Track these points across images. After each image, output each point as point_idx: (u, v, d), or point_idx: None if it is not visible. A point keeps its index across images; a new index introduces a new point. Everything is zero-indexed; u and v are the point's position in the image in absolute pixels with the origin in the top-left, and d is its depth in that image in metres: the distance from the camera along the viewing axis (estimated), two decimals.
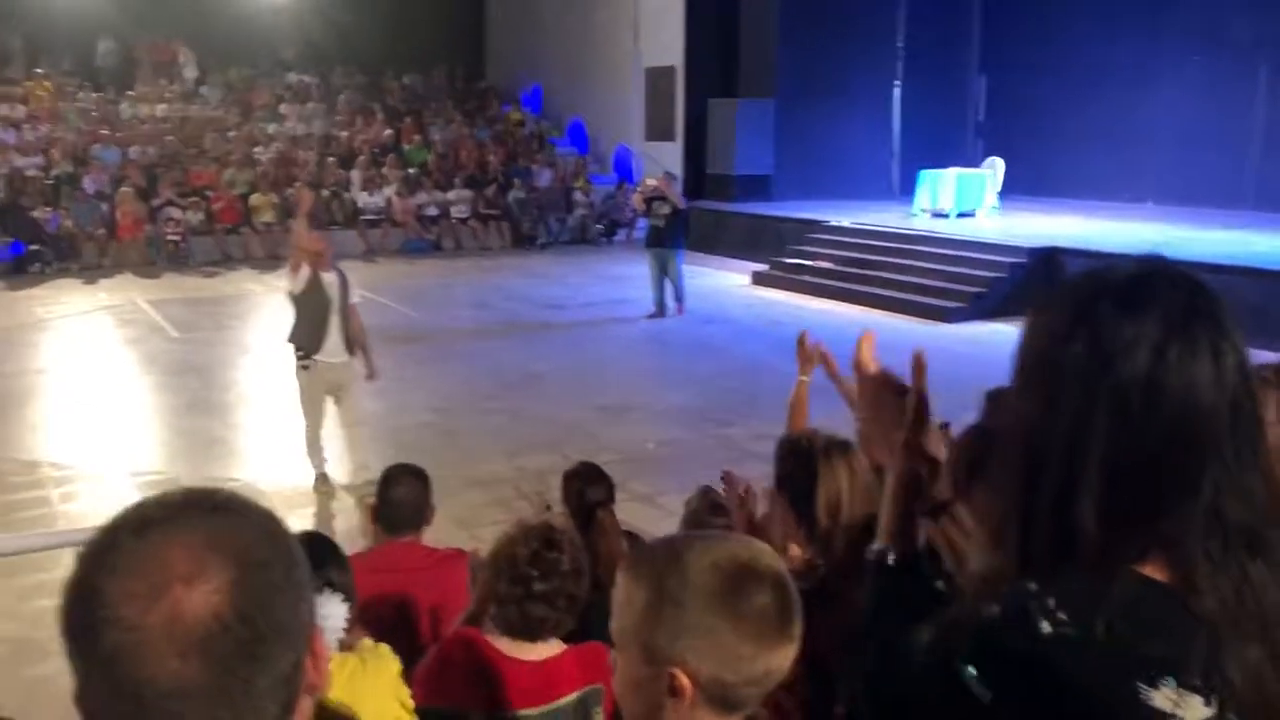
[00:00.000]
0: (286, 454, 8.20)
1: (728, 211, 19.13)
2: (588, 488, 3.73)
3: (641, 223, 15.89)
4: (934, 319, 13.31)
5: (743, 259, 17.63)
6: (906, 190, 19.23)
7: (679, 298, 13.27)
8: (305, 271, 6.93)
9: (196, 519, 0.97)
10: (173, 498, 0.99)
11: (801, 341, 3.01)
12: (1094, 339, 1.04)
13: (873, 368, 1.69)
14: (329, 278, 6.94)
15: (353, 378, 7.13)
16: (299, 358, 7.00)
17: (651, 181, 13.67)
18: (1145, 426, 1.01)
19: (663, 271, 13.10)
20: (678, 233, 13.06)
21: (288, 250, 7.17)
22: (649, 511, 6.68)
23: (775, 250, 16.75)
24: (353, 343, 7.03)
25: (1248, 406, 1.05)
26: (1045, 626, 1.01)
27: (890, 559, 1.39)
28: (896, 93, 20.99)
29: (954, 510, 1.63)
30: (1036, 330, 1.12)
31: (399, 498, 3.58)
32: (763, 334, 12.66)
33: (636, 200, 13.71)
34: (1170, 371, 1.01)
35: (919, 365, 1.54)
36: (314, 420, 7.10)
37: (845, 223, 16.65)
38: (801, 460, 2.40)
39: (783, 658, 1.22)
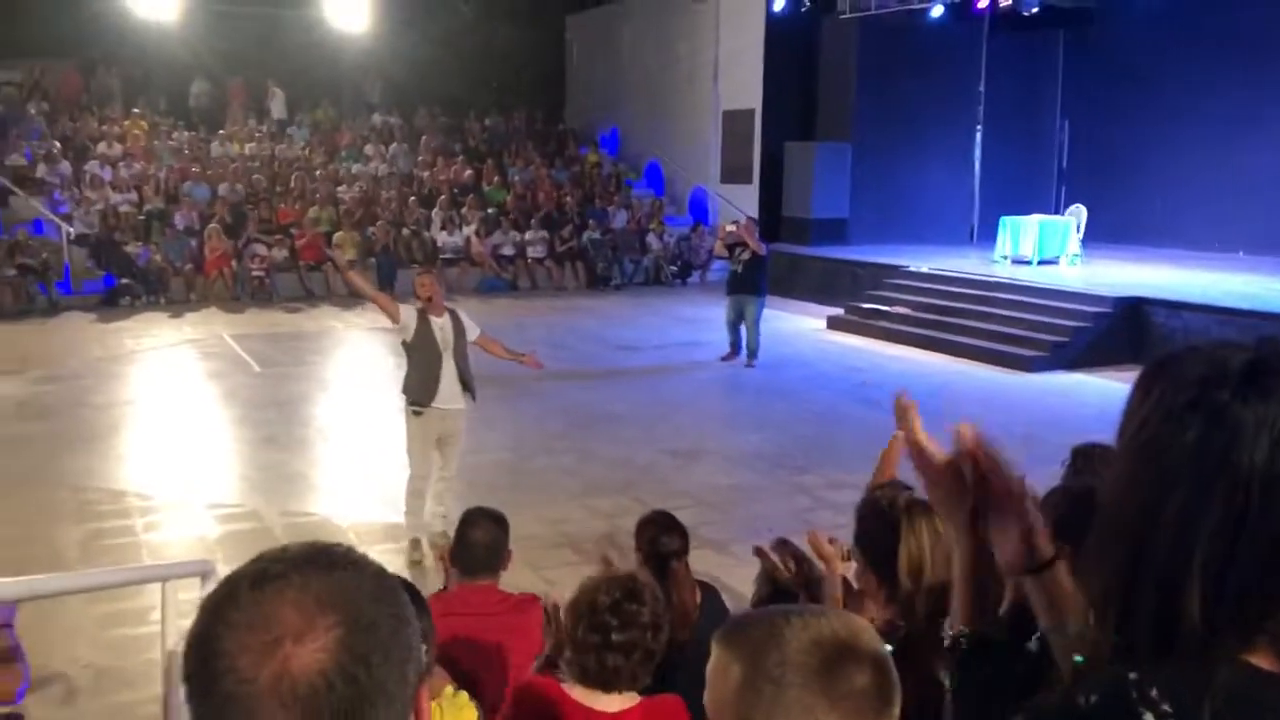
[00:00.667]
0: (364, 490, 8.32)
1: (803, 255, 19.13)
2: (662, 536, 3.71)
3: (717, 265, 15.93)
4: (1015, 368, 13.10)
5: (818, 303, 17.58)
6: (986, 236, 19.02)
7: (752, 350, 12.99)
8: (411, 317, 6.83)
9: (311, 575, 1.00)
10: (291, 552, 1.03)
11: (900, 402, 2.96)
12: (1212, 425, 1.02)
13: (919, 439, 1.66)
14: (440, 322, 6.83)
15: (462, 427, 6.95)
16: (411, 404, 6.87)
17: (732, 227, 13.60)
18: (1262, 519, 0.99)
19: (740, 317, 13.04)
20: (758, 279, 12.92)
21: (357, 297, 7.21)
22: (720, 559, 6.63)
23: (851, 295, 16.67)
24: (468, 386, 6.89)
25: None
26: (1148, 718, 0.99)
27: (965, 642, 1.37)
28: (977, 137, 20.83)
29: (1056, 569, 1.61)
30: (1148, 407, 1.09)
31: (477, 540, 3.61)
32: (838, 380, 12.58)
33: (718, 247, 13.74)
34: None
35: (968, 440, 1.42)
36: (420, 469, 6.90)
37: (924, 268, 16.54)
38: (882, 520, 2.37)
39: None
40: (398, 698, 0.98)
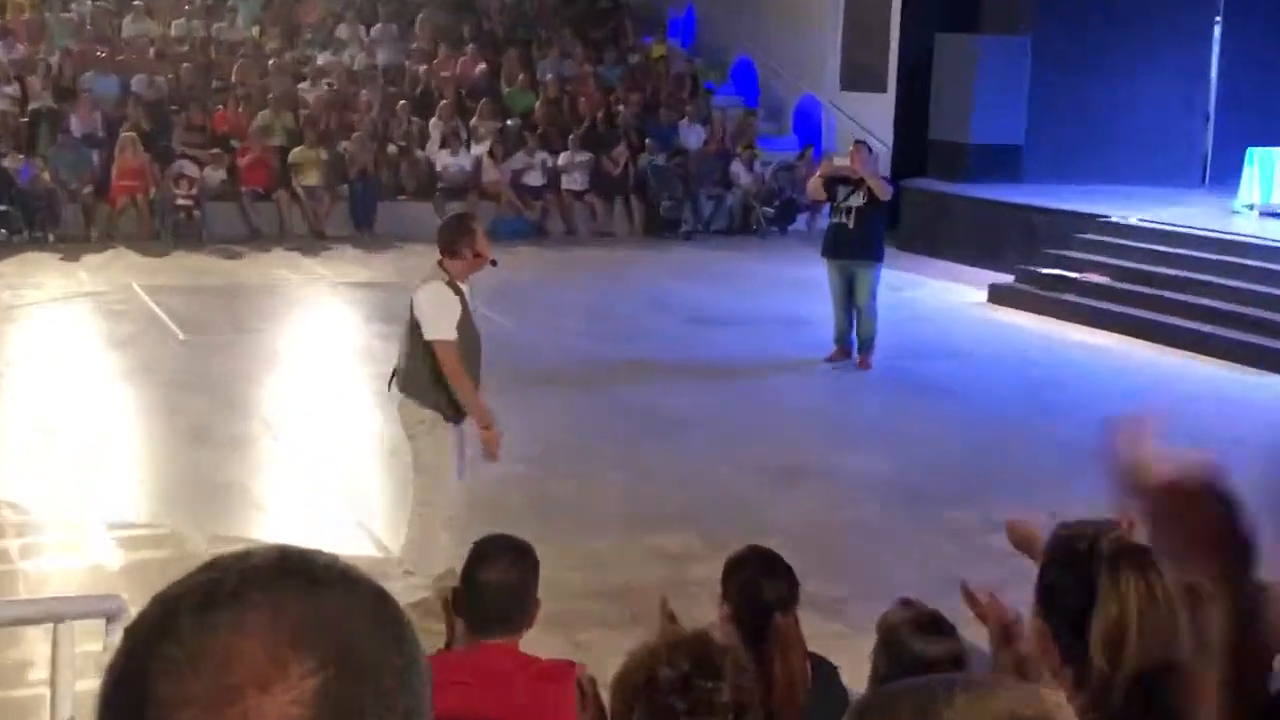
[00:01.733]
0: (327, 508, 8.45)
1: (957, 197, 18.97)
2: (763, 580, 3.74)
3: (825, 213, 15.63)
4: (1264, 366, 12.96)
5: (976, 265, 17.48)
6: (1224, 176, 18.74)
7: (865, 342, 12.48)
8: (455, 302, 6.78)
9: (283, 595, 0.99)
10: (255, 561, 1.02)
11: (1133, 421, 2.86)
12: None
13: (1157, 467, 1.66)
14: (468, 290, 6.93)
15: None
16: (447, 411, 6.85)
17: (839, 159, 13.53)
18: None
19: (848, 293, 12.45)
20: (874, 237, 12.33)
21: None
22: (827, 624, 6.62)
23: (1025, 255, 16.56)
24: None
25: None
26: None
27: None
28: (1215, 32, 20.51)
29: None
30: None
31: (492, 582, 3.65)
32: (1004, 376, 12.50)
33: (813, 185, 13.16)
34: None
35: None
36: (444, 500, 6.91)
37: (1131, 219, 16.34)
38: (1073, 569, 2.38)
39: None
40: None
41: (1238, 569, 1.74)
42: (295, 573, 1.02)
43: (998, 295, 15.98)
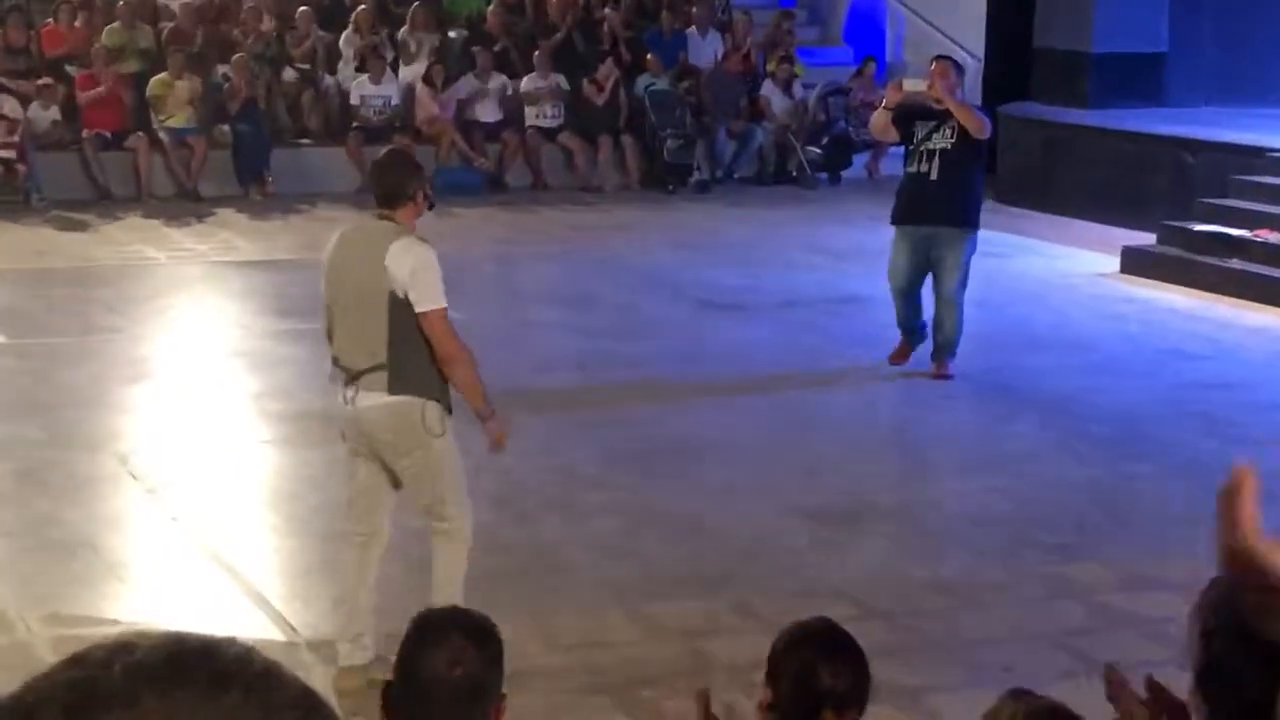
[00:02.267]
0: (209, 577, 8.44)
1: (1075, 128, 19.05)
2: (822, 667, 3.82)
3: (894, 154, 15.42)
4: None
5: (1103, 222, 17.56)
6: None
7: (948, 342, 12.30)
8: (437, 261, 7.09)
9: (177, 697, 1.02)
10: (142, 654, 1.05)
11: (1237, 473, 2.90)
12: None
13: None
14: None
15: None
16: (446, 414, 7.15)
17: (911, 81, 13.00)
18: None
19: (922, 271, 12.22)
20: (967, 193, 12.11)
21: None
22: (903, 717, 6.67)
23: (1172, 207, 16.65)
24: None
25: None
26: None
27: None
28: None
29: None
30: None
31: (436, 674, 3.66)
32: (1145, 377, 12.53)
33: (879, 121, 12.64)
34: None
35: None
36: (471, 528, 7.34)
37: None
38: (1244, 638, 2.39)
39: None
40: None
41: None
42: (196, 670, 1.04)
43: (1134, 263, 16.03)
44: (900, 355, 12.44)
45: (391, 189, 7.09)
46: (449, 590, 7.11)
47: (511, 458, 9.64)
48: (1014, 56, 20.33)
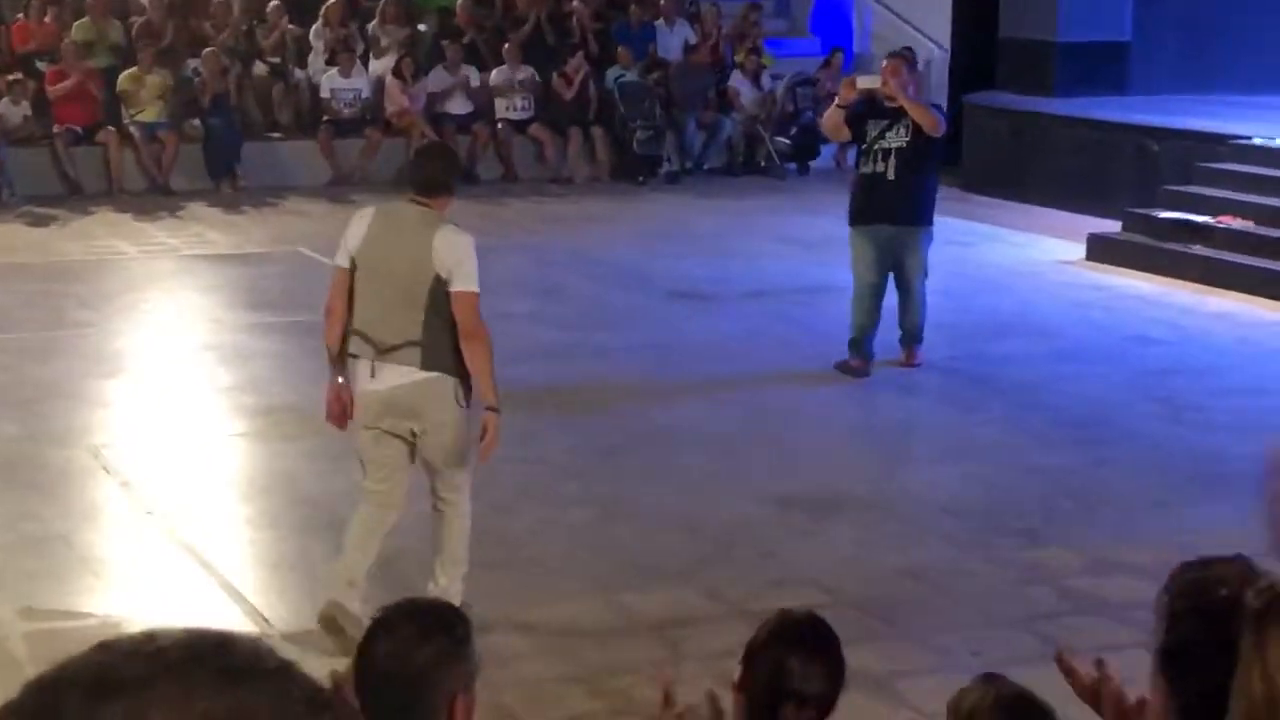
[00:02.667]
0: (184, 571, 8.43)
1: (1040, 116, 19.09)
2: (797, 664, 3.83)
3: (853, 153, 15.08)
4: None
5: (1069, 209, 17.61)
6: None
7: (914, 333, 12.26)
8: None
9: (197, 687, 1.04)
10: (161, 644, 1.08)
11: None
12: None
13: None
14: None
15: None
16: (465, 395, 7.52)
17: (865, 78, 12.68)
18: None
19: (885, 270, 12.03)
20: (922, 191, 11.97)
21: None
22: (877, 707, 6.68)
23: (1136, 194, 16.68)
24: None
25: None
26: None
27: None
28: None
29: None
30: None
31: (379, 665, 3.65)
32: (1111, 363, 12.58)
33: (831, 119, 12.40)
34: None
35: None
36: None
37: None
38: (1213, 624, 2.41)
39: None
40: None
41: None
42: (212, 661, 1.07)
43: (1100, 250, 16.08)
44: (856, 367, 12.10)
45: (433, 178, 7.63)
46: (460, 557, 7.59)
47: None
48: (980, 46, 20.35)
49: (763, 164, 21.09)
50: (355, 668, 3.74)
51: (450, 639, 3.76)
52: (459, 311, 7.33)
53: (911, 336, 12.25)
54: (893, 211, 11.85)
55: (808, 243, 16.42)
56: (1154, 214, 16.06)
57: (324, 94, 20.23)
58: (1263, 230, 15.25)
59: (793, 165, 21.01)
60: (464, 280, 7.37)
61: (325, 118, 19.99)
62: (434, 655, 3.71)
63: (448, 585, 7.44)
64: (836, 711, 4.01)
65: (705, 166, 20.98)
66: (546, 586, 8.24)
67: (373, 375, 7.38)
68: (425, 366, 7.34)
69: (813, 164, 20.99)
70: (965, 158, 19.38)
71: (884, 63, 12.34)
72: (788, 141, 21.10)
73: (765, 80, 21.48)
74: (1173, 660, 2.48)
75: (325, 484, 9.31)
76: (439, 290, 7.32)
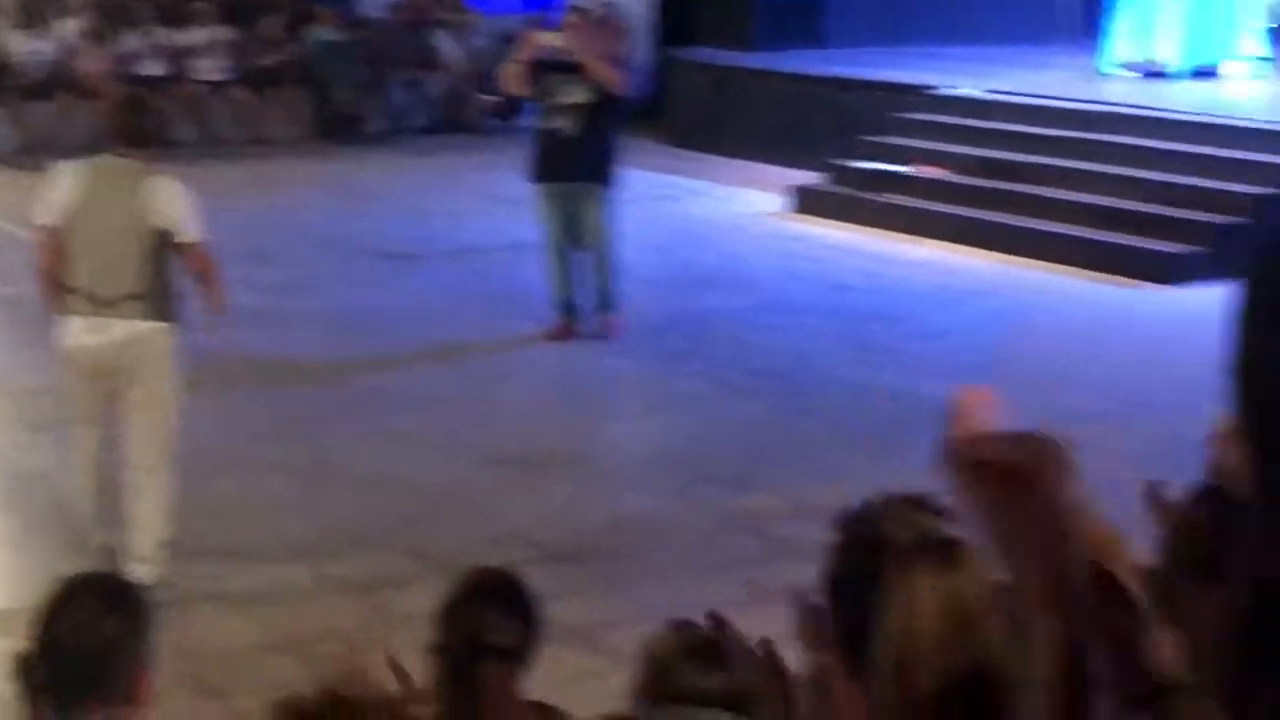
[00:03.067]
0: None
1: (740, 71, 19.22)
2: (490, 618, 3.87)
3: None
4: (1145, 277, 13.48)
5: (771, 163, 17.76)
6: (1091, 28, 19.29)
7: (605, 299, 12.13)
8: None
9: None
10: None
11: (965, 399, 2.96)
12: None
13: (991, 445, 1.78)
14: None
15: None
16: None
17: (546, 37, 12.47)
18: None
19: (570, 234, 12.01)
20: (603, 149, 11.92)
21: None
22: (583, 659, 6.72)
23: (836, 146, 16.86)
24: None
25: None
26: None
27: None
28: None
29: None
30: None
31: (61, 638, 3.57)
32: (813, 311, 12.75)
33: (511, 74, 12.29)
34: None
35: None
36: None
37: (972, 91, 16.83)
38: (865, 559, 2.51)
39: None
40: None
41: (1073, 572, 1.85)
42: None
43: (802, 201, 16.29)
44: (559, 334, 12.09)
45: (137, 129, 7.70)
46: (162, 523, 7.56)
47: (183, 417, 9.55)
48: (684, 1, 20.46)
49: (468, 122, 20.99)
50: (36, 643, 3.66)
51: (137, 612, 3.71)
52: (194, 262, 7.60)
53: (606, 301, 12.10)
54: (572, 169, 11.79)
55: (513, 200, 16.31)
56: (852, 165, 16.30)
57: (11, 56, 19.67)
58: (959, 179, 15.59)
59: (499, 121, 20.97)
60: (190, 230, 7.52)
61: (12, 81, 19.45)
62: (119, 628, 3.65)
63: (148, 557, 7.40)
64: (540, 664, 4.03)
65: (409, 126, 20.83)
66: (248, 555, 8.13)
67: (91, 330, 7.38)
68: (147, 317, 7.44)
69: (519, 119, 20.97)
70: (669, 113, 19.53)
71: (567, 18, 12.40)
72: (493, 99, 21.06)
73: (470, 39, 21.40)
74: (834, 589, 2.54)
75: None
76: (158, 242, 7.42)
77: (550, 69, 11.83)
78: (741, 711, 3.43)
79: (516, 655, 3.89)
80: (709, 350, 11.78)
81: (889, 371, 10.88)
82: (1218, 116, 15.26)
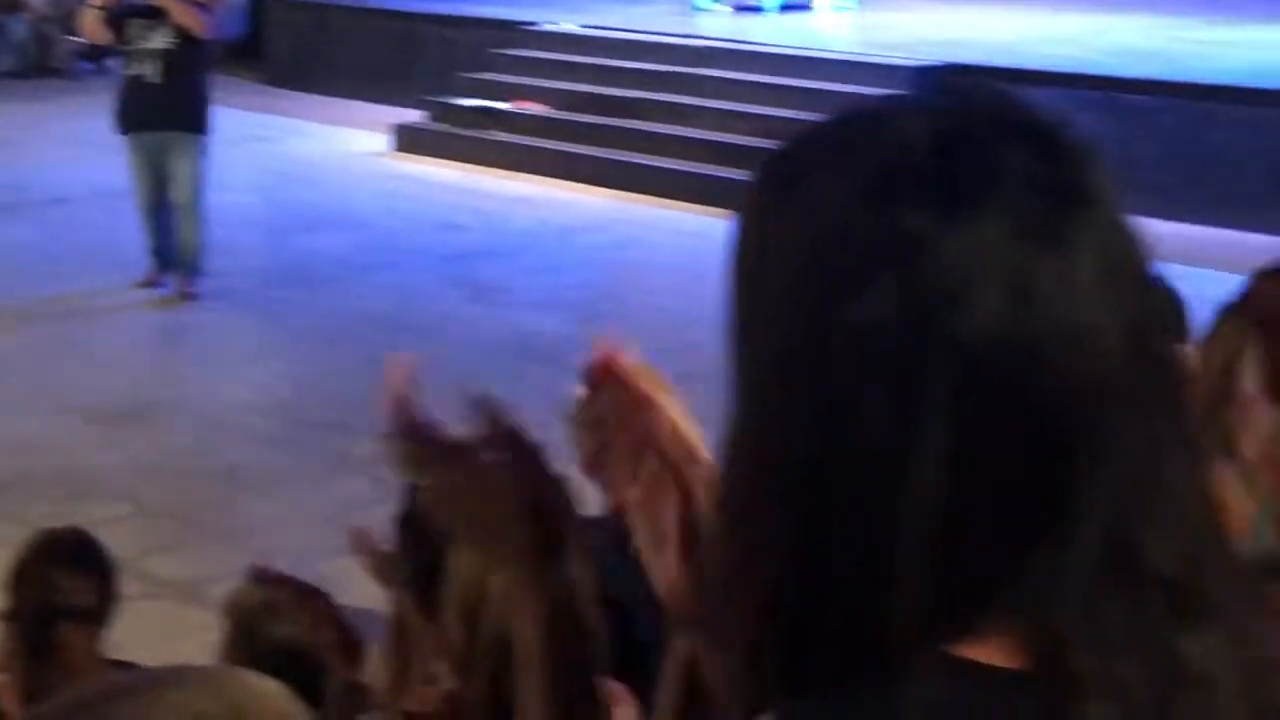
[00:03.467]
0: None
1: (338, 8, 19.15)
2: (61, 577, 3.82)
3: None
4: (738, 207, 13.73)
5: (373, 101, 17.73)
6: None
7: (191, 261, 11.78)
8: None
9: None
10: None
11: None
12: (905, 280, 1.10)
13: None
14: None
15: None
16: None
17: None
18: (1000, 415, 1.08)
19: (159, 185, 11.74)
20: (193, 95, 11.61)
21: None
22: (184, 613, 6.63)
23: (437, 84, 16.91)
24: None
25: (1161, 355, 1.14)
26: None
27: None
28: None
29: None
30: (778, 260, 1.22)
31: None
32: (417, 251, 12.78)
33: (89, 20, 12.05)
34: (1038, 310, 1.08)
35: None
36: None
37: (570, 27, 16.97)
38: (420, 519, 2.53)
39: None
40: None
41: (546, 553, 1.84)
42: None
43: (405, 140, 16.29)
44: (150, 281, 11.85)
45: None
46: None
47: None
48: None
49: (57, 66, 20.45)
50: None
51: None
52: None
53: (189, 264, 11.74)
54: (160, 117, 11.53)
55: (106, 145, 15.95)
56: (454, 102, 16.31)
57: None
58: (559, 114, 15.69)
59: (89, 65, 20.45)
60: None
61: None
62: None
63: None
64: (141, 619, 3.98)
65: None
66: None
67: None
68: None
69: (110, 62, 20.50)
70: (267, 51, 19.26)
71: None
72: (82, 41, 20.59)
73: None
74: (406, 524, 2.54)
75: None
76: None
77: (130, 13, 11.50)
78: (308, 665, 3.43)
79: (93, 615, 3.86)
80: (313, 293, 11.68)
81: (500, 307, 10.93)
82: (812, 50, 15.62)
